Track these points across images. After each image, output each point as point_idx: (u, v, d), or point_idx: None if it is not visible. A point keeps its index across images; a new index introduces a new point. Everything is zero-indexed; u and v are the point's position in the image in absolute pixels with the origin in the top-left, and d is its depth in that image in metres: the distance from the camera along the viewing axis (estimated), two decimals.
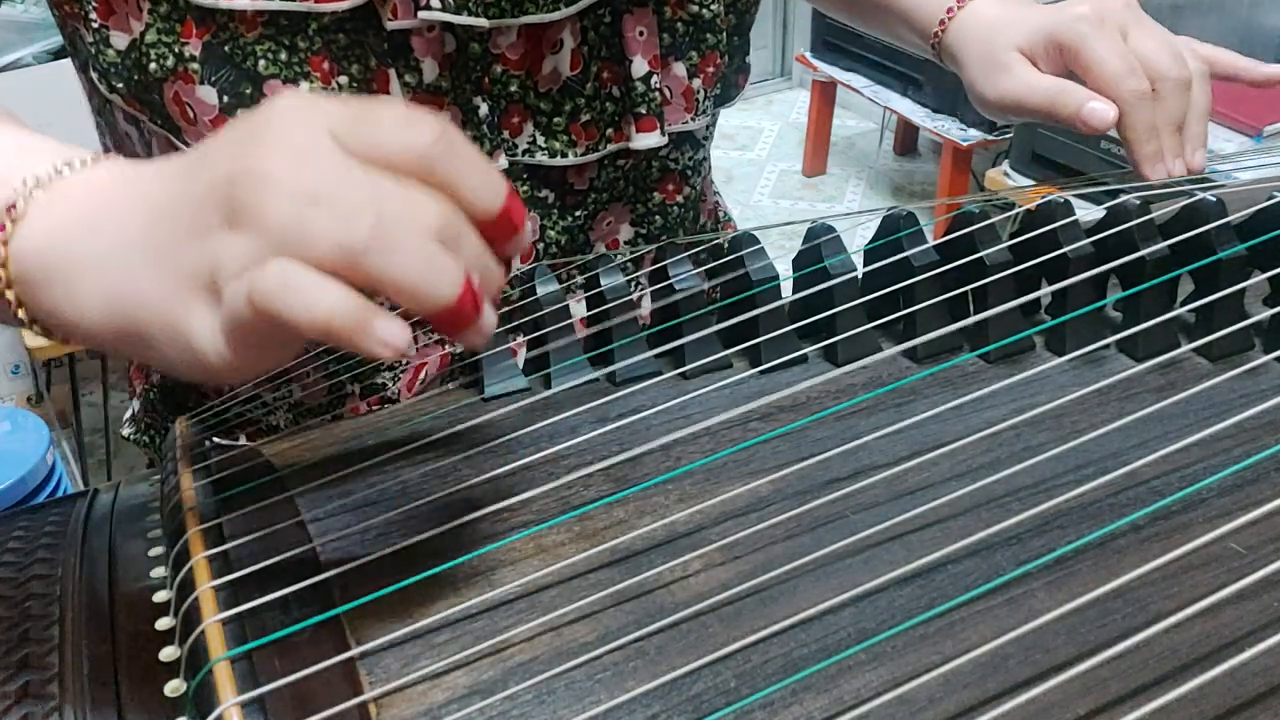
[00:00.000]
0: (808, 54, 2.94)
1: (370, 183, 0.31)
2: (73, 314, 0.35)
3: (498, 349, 0.51)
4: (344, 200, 0.31)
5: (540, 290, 0.51)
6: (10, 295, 0.35)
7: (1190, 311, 0.52)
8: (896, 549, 0.39)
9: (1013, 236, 0.52)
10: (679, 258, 0.52)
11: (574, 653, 0.36)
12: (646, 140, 0.59)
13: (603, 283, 0.52)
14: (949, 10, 0.67)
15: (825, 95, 3.04)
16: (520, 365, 0.52)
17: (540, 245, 0.61)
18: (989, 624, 0.36)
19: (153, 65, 0.51)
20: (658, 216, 0.64)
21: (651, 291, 0.53)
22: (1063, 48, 0.61)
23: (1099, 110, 0.59)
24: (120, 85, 0.53)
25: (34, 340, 1.75)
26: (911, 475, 0.43)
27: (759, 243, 0.52)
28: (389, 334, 0.31)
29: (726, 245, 0.54)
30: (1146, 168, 0.59)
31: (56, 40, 1.78)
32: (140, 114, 0.54)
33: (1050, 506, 0.39)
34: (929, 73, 2.60)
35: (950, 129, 2.57)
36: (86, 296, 0.34)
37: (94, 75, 0.54)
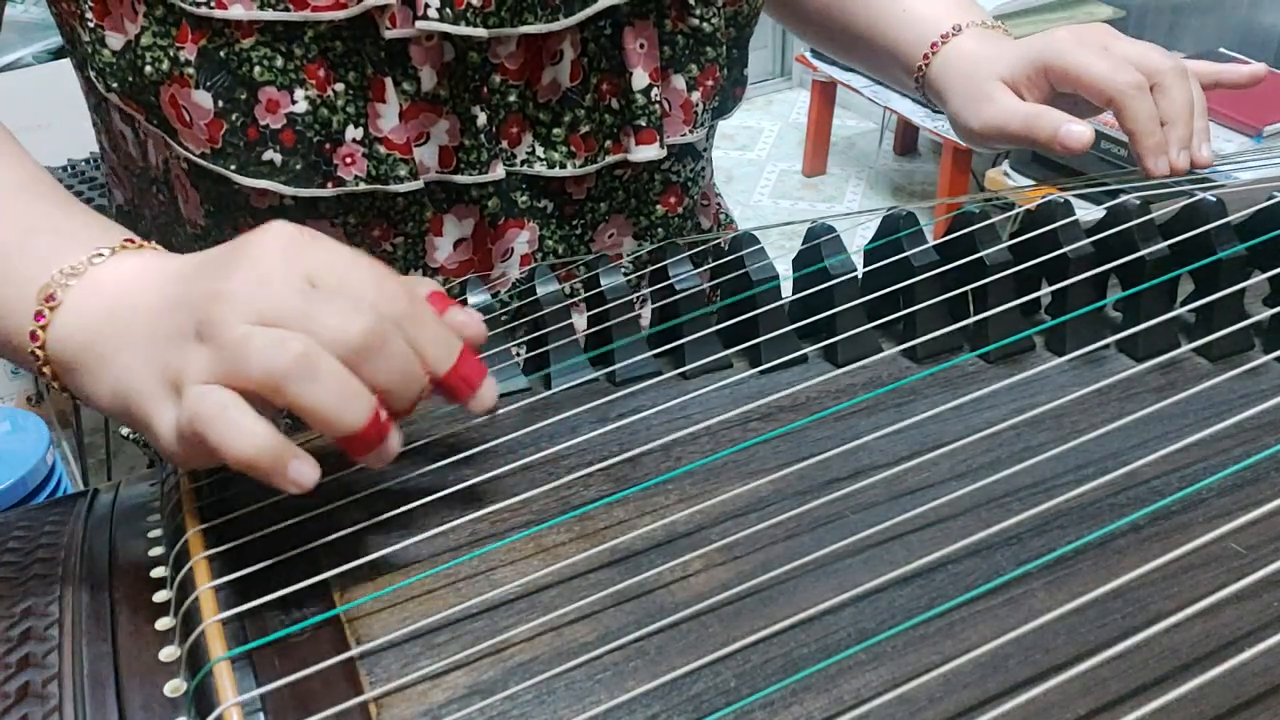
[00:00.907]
0: (807, 54, 2.94)
1: (312, 305, 0.36)
2: (91, 394, 0.40)
3: (497, 349, 0.51)
4: (278, 327, 0.36)
5: (540, 290, 0.51)
6: (46, 371, 0.41)
7: (1190, 311, 0.52)
8: (896, 549, 0.39)
9: (1013, 236, 0.52)
10: (679, 258, 0.52)
11: (574, 653, 0.36)
12: (646, 153, 0.59)
13: (603, 283, 0.52)
14: (933, 45, 0.69)
15: (825, 95, 3.04)
16: (520, 365, 0.52)
17: (538, 255, 0.62)
18: (989, 624, 0.36)
19: (148, 68, 0.51)
20: (660, 229, 0.65)
21: (651, 292, 0.53)
22: (1047, 68, 0.62)
23: (1075, 131, 0.60)
24: (116, 85, 0.53)
25: None
26: (911, 475, 0.43)
27: (759, 243, 0.52)
28: (299, 474, 0.36)
29: (726, 245, 0.54)
30: (1150, 160, 0.60)
31: (56, 40, 1.78)
32: (136, 113, 0.54)
33: (1050, 506, 0.39)
34: None
35: (950, 129, 2.57)
36: (100, 384, 0.40)
37: (91, 74, 0.54)
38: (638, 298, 0.54)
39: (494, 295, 0.61)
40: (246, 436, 0.35)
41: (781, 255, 0.54)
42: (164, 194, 0.59)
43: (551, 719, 0.34)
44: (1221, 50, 2.06)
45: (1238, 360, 0.50)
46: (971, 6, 0.71)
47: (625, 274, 0.63)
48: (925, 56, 0.69)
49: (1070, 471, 0.43)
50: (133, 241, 0.43)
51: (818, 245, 0.52)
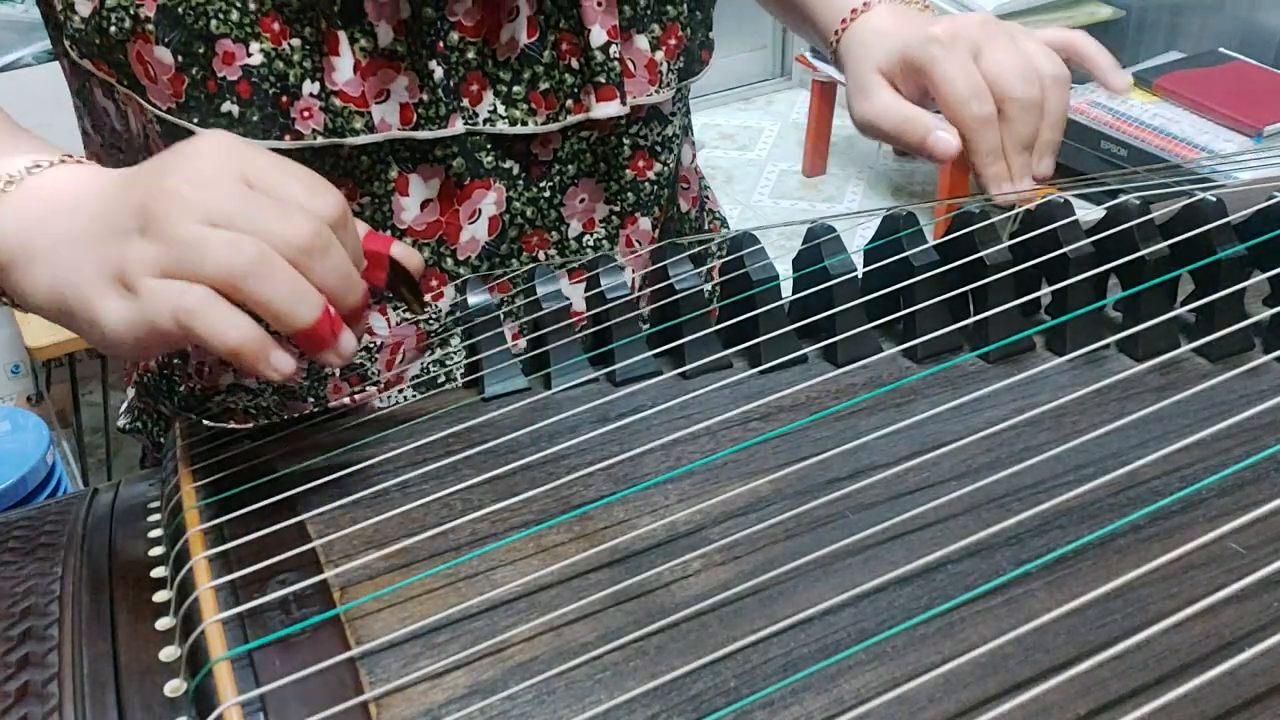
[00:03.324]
0: (807, 54, 2.94)
1: (257, 207, 0.39)
2: (28, 292, 0.43)
3: (498, 349, 0.51)
4: (233, 230, 0.39)
5: (540, 290, 0.51)
6: None
7: (1190, 311, 0.52)
8: (896, 549, 0.39)
9: (1013, 236, 0.52)
10: (679, 258, 0.52)
11: (574, 653, 0.36)
12: (607, 109, 0.60)
13: (603, 283, 0.52)
14: (843, 20, 0.67)
15: (825, 95, 3.03)
16: (520, 365, 0.52)
17: (506, 217, 0.62)
18: (989, 624, 0.36)
19: (112, 29, 0.53)
20: (630, 194, 0.65)
21: (651, 292, 0.53)
22: (916, 68, 0.61)
23: (942, 140, 0.60)
24: (88, 50, 0.54)
25: (34, 340, 1.75)
26: (911, 475, 0.43)
27: (759, 243, 0.53)
28: (280, 363, 0.40)
29: (726, 246, 0.54)
30: (993, 187, 0.60)
31: None
32: (110, 76, 0.55)
33: (1050, 506, 0.39)
34: None
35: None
36: (37, 279, 0.42)
37: (67, 44, 0.55)
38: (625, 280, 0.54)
39: (463, 261, 0.61)
40: (235, 329, 0.39)
41: (781, 255, 0.54)
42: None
43: (551, 719, 0.34)
44: (1221, 50, 2.06)
45: (1238, 360, 0.50)
46: None
47: (599, 238, 0.64)
48: (836, 32, 0.67)
49: (1070, 471, 0.43)
50: (71, 157, 0.46)
51: (818, 245, 0.52)
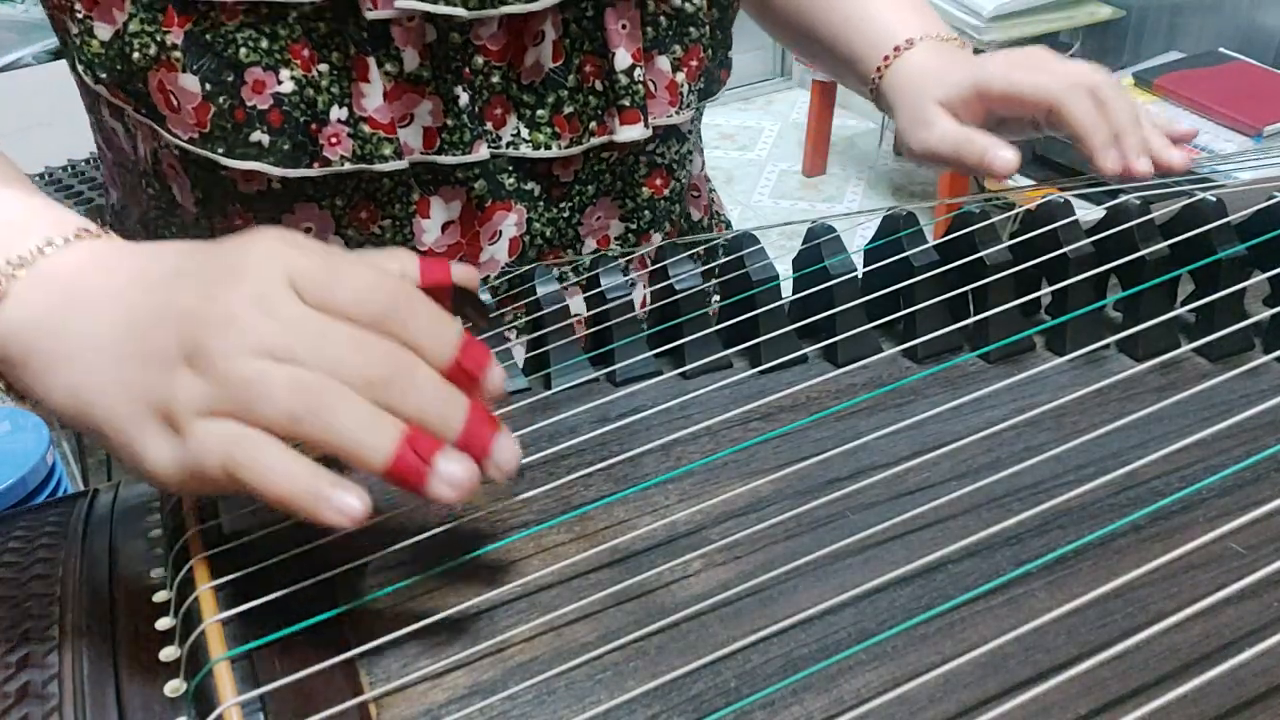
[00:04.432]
0: None
1: (321, 336, 0.34)
2: (42, 395, 0.37)
3: (498, 349, 0.51)
4: (293, 365, 0.34)
5: (540, 290, 0.51)
6: None
7: (1190, 311, 0.52)
8: (896, 549, 0.39)
9: (1013, 236, 0.52)
10: (679, 258, 0.52)
11: (574, 653, 0.36)
12: (631, 133, 0.60)
13: (603, 283, 0.52)
14: (885, 58, 0.69)
15: (825, 95, 3.03)
16: (520, 365, 0.52)
17: (526, 238, 0.62)
18: (989, 624, 0.36)
19: (136, 55, 0.52)
20: (646, 211, 0.65)
21: (651, 292, 0.53)
22: (984, 92, 0.62)
23: (1002, 155, 0.61)
24: (104, 76, 0.53)
25: None
26: (911, 475, 0.43)
27: (759, 243, 0.53)
28: (344, 505, 0.33)
29: (726, 246, 0.54)
30: (1100, 156, 0.59)
31: (55, 40, 1.78)
32: (125, 104, 0.54)
33: (1050, 506, 0.39)
34: None
35: None
36: (54, 386, 0.37)
37: (80, 68, 0.54)
38: (629, 280, 0.53)
39: (483, 281, 0.61)
40: (283, 476, 0.33)
41: (781, 255, 0.54)
42: (154, 186, 0.59)
43: (551, 719, 0.34)
44: (1221, 50, 2.06)
45: (1238, 360, 0.50)
46: (930, 17, 0.71)
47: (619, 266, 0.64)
48: (878, 69, 0.69)
49: (1070, 471, 0.43)
50: (88, 231, 0.40)
51: (818, 245, 0.52)
